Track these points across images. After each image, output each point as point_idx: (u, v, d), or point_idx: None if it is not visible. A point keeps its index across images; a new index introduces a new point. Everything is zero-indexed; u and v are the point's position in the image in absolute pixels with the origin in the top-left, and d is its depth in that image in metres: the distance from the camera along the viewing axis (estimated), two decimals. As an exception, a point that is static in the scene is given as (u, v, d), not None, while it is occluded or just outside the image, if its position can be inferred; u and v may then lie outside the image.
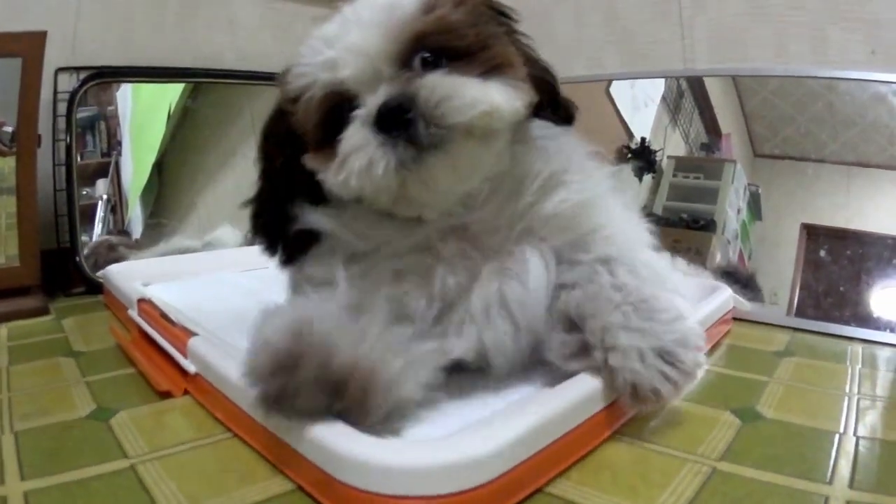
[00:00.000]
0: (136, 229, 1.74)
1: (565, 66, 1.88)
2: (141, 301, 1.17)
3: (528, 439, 0.65)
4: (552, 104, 0.85)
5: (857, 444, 0.79)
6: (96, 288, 1.56)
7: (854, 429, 0.83)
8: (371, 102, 0.71)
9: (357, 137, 0.71)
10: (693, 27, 1.67)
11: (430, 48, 0.74)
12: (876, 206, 1.37)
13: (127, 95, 1.73)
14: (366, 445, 0.62)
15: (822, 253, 1.40)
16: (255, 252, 0.94)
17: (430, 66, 0.73)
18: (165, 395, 0.95)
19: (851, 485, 0.69)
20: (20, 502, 0.68)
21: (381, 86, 0.72)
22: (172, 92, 1.82)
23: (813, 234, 1.43)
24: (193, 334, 0.97)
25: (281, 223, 0.83)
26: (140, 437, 0.83)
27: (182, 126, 1.84)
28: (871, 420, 0.87)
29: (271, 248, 0.87)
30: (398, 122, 0.69)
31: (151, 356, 1.06)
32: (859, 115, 1.41)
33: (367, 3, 0.75)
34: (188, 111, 1.85)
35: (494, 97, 0.71)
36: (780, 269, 1.46)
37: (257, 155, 0.87)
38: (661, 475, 0.71)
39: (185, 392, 0.95)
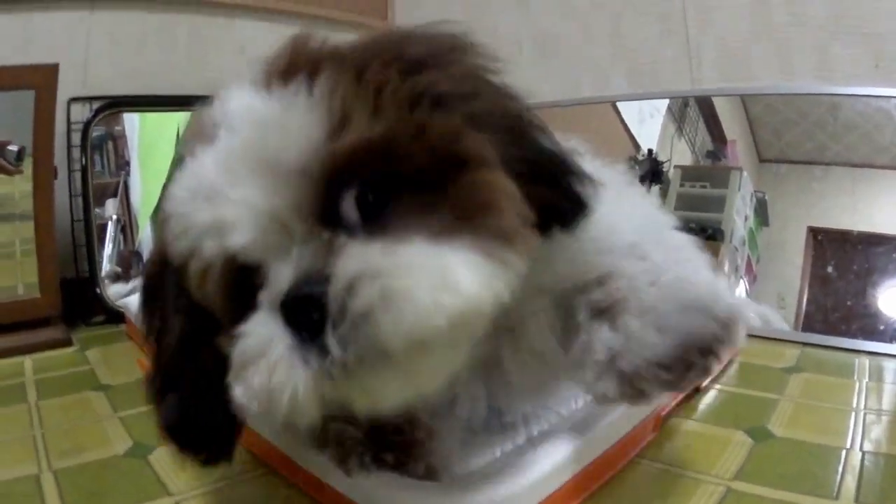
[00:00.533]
0: (146, 251, 1.77)
1: (572, 87, 1.94)
2: None
3: (555, 473, 0.70)
4: (563, 206, 0.58)
5: (862, 459, 0.86)
6: (116, 317, 1.61)
7: (860, 444, 0.91)
8: (277, 280, 0.50)
9: (257, 336, 0.51)
10: (699, 46, 1.72)
11: (360, 180, 0.51)
12: (881, 207, 1.43)
13: (134, 117, 1.78)
14: (411, 489, 0.65)
15: (830, 269, 1.45)
16: None
17: (369, 205, 0.51)
18: None
19: (857, 499, 0.76)
20: None
21: (294, 250, 0.50)
22: (181, 114, 1.85)
23: (819, 240, 1.50)
24: None
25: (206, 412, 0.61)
26: (180, 474, 0.86)
27: None
28: (875, 435, 0.94)
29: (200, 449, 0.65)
30: (308, 320, 0.48)
31: None
32: (862, 119, 1.46)
33: (242, 123, 0.52)
34: None
35: (462, 286, 0.47)
36: (788, 274, 1.52)
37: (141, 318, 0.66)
38: (679, 497, 0.78)
39: None
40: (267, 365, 0.48)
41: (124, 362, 1.35)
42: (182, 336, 0.59)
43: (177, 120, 1.83)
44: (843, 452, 0.88)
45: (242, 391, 0.50)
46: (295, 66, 0.53)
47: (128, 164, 1.77)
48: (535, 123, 0.59)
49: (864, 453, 0.88)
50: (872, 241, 1.42)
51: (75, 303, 1.59)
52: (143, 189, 1.78)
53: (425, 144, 0.51)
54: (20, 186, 1.49)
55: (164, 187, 0.59)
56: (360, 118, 0.50)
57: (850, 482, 0.80)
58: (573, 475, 0.73)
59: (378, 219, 0.51)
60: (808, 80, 1.54)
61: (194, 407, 0.61)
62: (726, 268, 1.60)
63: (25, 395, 1.18)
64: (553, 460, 0.70)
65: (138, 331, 1.38)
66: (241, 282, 0.52)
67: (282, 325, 0.49)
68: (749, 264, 1.61)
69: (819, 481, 0.81)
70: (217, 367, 0.54)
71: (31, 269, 1.50)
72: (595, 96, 1.93)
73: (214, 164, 0.51)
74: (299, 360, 0.48)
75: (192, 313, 0.57)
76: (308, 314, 0.47)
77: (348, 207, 0.51)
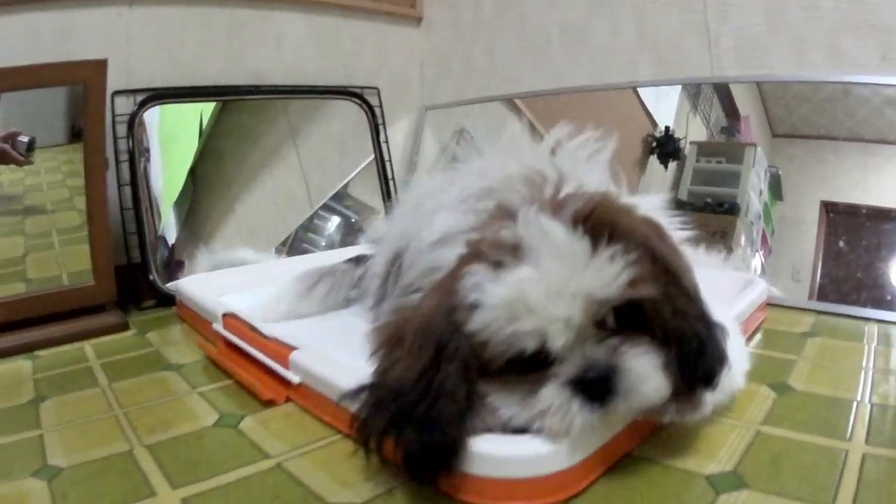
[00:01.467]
0: (171, 236, 1.90)
1: (601, 74, 2.10)
2: (226, 315, 1.37)
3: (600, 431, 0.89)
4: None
5: (871, 410, 1.04)
6: (166, 300, 1.76)
7: (869, 397, 1.09)
8: (572, 364, 0.80)
9: (555, 397, 0.80)
10: (719, 37, 1.84)
11: (622, 311, 0.81)
12: (893, 183, 1.56)
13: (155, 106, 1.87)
14: (481, 440, 0.83)
15: (841, 243, 1.60)
16: (321, 258, 1.09)
17: (620, 320, 0.82)
18: (269, 403, 1.14)
19: (867, 441, 0.95)
20: None
21: (583, 348, 0.80)
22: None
23: (831, 216, 1.63)
24: (292, 348, 1.16)
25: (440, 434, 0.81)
26: (274, 440, 1.02)
27: (216, 133, 2.01)
28: (882, 390, 1.12)
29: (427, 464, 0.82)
30: (598, 389, 0.79)
31: (246, 367, 1.26)
32: (873, 93, 1.58)
33: (554, 254, 0.78)
34: (223, 118, 2.03)
35: (663, 385, 0.82)
36: (802, 247, 1.66)
37: (410, 347, 0.86)
38: (719, 437, 0.98)
39: (287, 399, 1.16)
40: (563, 412, 0.80)
41: (186, 343, 1.50)
42: (451, 378, 0.82)
43: (199, 108, 1.97)
44: (854, 404, 1.06)
45: (537, 425, 0.81)
46: (600, 226, 0.80)
47: (147, 151, 1.86)
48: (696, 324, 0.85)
49: (872, 405, 1.06)
50: (881, 216, 1.56)
51: (126, 288, 1.72)
52: (165, 176, 1.90)
53: (659, 315, 0.82)
54: (49, 177, 1.60)
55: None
56: (645, 283, 0.80)
57: (861, 429, 0.98)
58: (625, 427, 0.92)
59: (620, 326, 0.82)
60: (820, 70, 1.66)
61: (434, 432, 0.80)
62: (742, 241, 1.74)
63: (95, 379, 1.30)
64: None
65: (191, 313, 1.56)
66: (523, 359, 0.81)
67: (571, 392, 0.80)
68: (764, 238, 1.74)
69: (834, 427, 0.99)
70: (466, 402, 0.82)
71: (74, 259, 1.61)
72: (622, 82, 2.07)
73: (538, 287, 0.77)
74: (588, 408, 0.80)
75: (464, 366, 0.82)
76: (602, 386, 0.79)
77: (611, 322, 0.81)
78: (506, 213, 0.88)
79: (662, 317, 0.82)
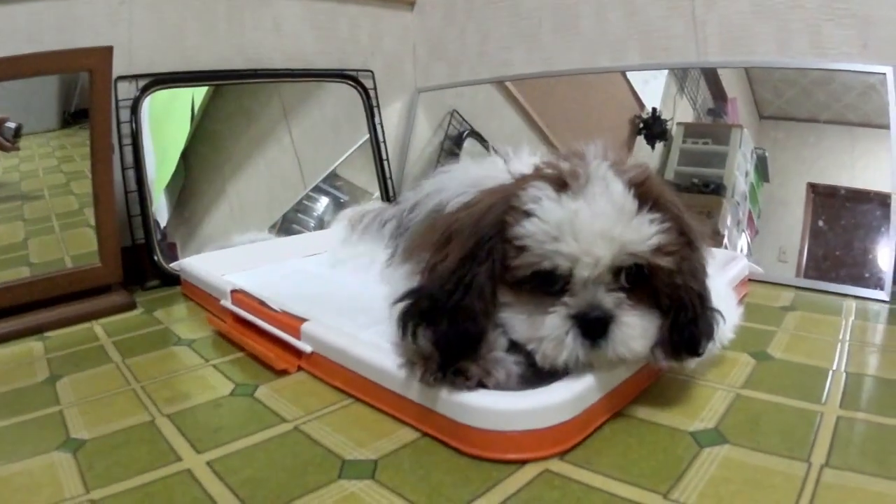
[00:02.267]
0: (162, 219, 1.94)
1: (591, 58, 2.17)
2: (235, 292, 1.45)
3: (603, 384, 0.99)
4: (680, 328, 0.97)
5: (846, 378, 1.13)
6: (170, 280, 1.83)
7: (845, 366, 1.18)
8: (582, 300, 0.92)
9: (557, 325, 0.92)
10: (705, 23, 1.90)
11: (637, 272, 0.94)
12: (879, 166, 1.61)
13: None
14: (486, 396, 0.93)
15: (821, 223, 1.68)
16: (316, 238, 1.27)
17: (630, 280, 0.94)
18: (282, 372, 1.22)
19: (841, 405, 1.03)
20: (206, 472, 0.89)
21: (598, 287, 0.93)
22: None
23: (818, 195, 1.70)
24: (303, 320, 1.25)
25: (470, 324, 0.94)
26: (289, 406, 1.10)
27: (209, 116, 2.06)
28: (857, 360, 1.21)
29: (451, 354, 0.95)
30: (595, 329, 0.91)
31: (257, 340, 1.34)
32: (857, 81, 1.63)
33: (608, 202, 0.91)
34: (216, 99, 2.07)
35: (647, 346, 0.95)
36: (789, 229, 1.72)
37: (465, 240, 0.97)
38: (701, 399, 1.08)
39: (299, 368, 1.24)
40: (558, 339, 0.92)
41: (194, 320, 1.57)
42: (480, 276, 0.94)
43: (189, 92, 2.02)
44: (830, 372, 1.15)
45: (533, 345, 0.94)
46: (647, 195, 0.93)
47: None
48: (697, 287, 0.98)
49: (847, 373, 1.15)
50: (865, 198, 1.63)
51: (130, 269, 1.77)
52: (157, 161, 1.94)
53: (674, 285, 0.94)
54: (44, 163, 1.64)
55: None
56: (674, 253, 0.93)
57: (836, 394, 1.07)
58: (616, 385, 1.02)
59: (629, 288, 0.94)
60: (803, 56, 1.74)
61: (461, 329, 0.93)
62: (728, 221, 1.81)
63: (108, 355, 1.36)
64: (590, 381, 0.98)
65: (198, 290, 1.64)
66: (549, 276, 0.93)
67: (571, 323, 0.92)
68: (750, 219, 1.80)
69: (810, 392, 1.08)
70: (492, 299, 0.96)
71: (75, 242, 1.66)
72: (611, 66, 2.14)
73: (590, 220, 0.90)
74: (580, 342, 0.92)
75: (494, 267, 0.95)
76: (598, 327, 0.91)
77: (624, 278, 0.94)
78: (578, 156, 1.00)
79: (671, 285, 0.94)
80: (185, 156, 2.01)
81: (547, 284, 0.94)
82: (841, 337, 1.32)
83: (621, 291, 0.94)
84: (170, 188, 1.98)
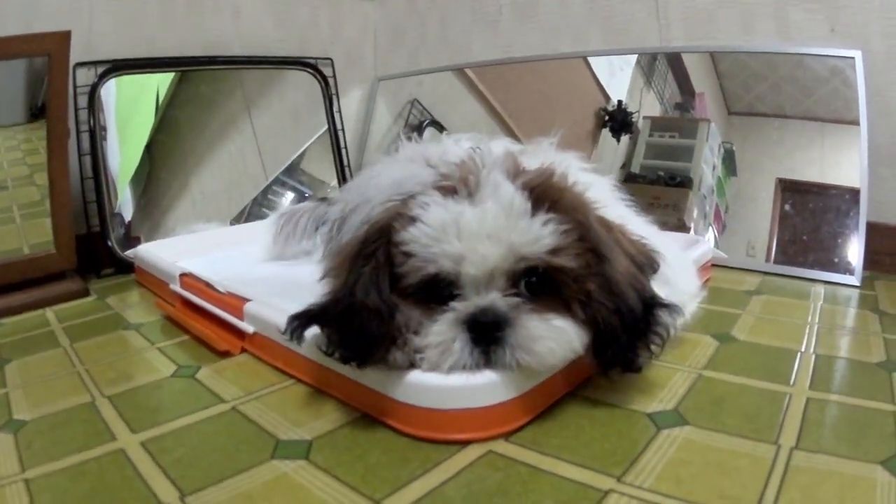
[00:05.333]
0: (127, 212, 1.86)
1: (552, 44, 2.09)
2: (183, 275, 1.38)
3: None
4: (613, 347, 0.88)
5: (815, 359, 1.05)
6: (125, 267, 1.74)
7: (813, 348, 1.10)
8: (471, 303, 0.85)
9: (442, 331, 0.84)
10: (667, 8, 1.84)
11: (539, 278, 0.86)
12: (849, 161, 1.54)
13: (111, 83, 1.83)
14: (423, 373, 0.85)
15: (787, 207, 1.61)
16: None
17: (530, 289, 0.87)
18: (225, 354, 1.16)
19: (811, 387, 0.95)
20: (139, 451, 0.85)
21: (490, 292, 0.85)
22: (159, 77, 1.96)
23: (787, 191, 1.63)
24: (246, 300, 1.18)
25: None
26: (229, 386, 1.04)
27: (173, 107, 1.99)
28: (827, 342, 1.13)
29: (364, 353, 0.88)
30: (486, 334, 0.83)
31: (202, 322, 1.27)
32: (829, 75, 1.57)
33: (499, 203, 0.85)
34: (180, 92, 2.00)
35: (573, 343, 0.85)
36: (757, 223, 1.65)
37: (352, 246, 0.94)
38: (660, 379, 1.00)
39: (242, 350, 1.17)
40: (446, 347, 0.84)
41: (145, 306, 1.49)
42: (364, 277, 0.88)
43: (155, 85, 1.95)
44: (798, 354, 1.07)
45: (419, 356, 0.85)
46: (544, 198, 0.87)
47: (104, 129, 1.83)
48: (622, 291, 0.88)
49: (816, 355, 1.07)
50: (833, 192, 1.56)
51: (86, 257, 1.70)
52: (122, 154, 1.87)
53: (580, 286, 0.86)
54: (9, 155, 1.57)
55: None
56: (569, 252, 0.85)
57: (805, 376, 0.99)
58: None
59: (533, 296, 0.87)
60: (769, 40, 1.67)
61: (363, 330, 0.86)
62: (695, 214, 1.74)
63: (57, 340, 1.30)
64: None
65: (150, 277, 1.57)
66: (435, 283, 0.87)
67: (462, 329, 0.84)
68: (717, 213, 1.73)
69: (777, 373, 1.00)
70: (383, 305, 0.87)
71: (35, 232, 1.58)
72: (571, 52, 2.06)
73: (474, 221, 0.84)
74: (469, 349, 0.84)
75: (379, 269, 0.89)
76: (492, 332, 0.83)
77: (523, 286, 0.87)
78: (470, 168, 0.93)
79: (584, 294, 0.87)
80: (149, 148, 1.94)
81: (437, 291, 0.88)
82: (809, 320, 1.24)
83: (524, 301, 0.86)
84: (134, 182, 1.91)
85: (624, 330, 0.85)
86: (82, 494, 0.77)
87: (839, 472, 0.75)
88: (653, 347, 0.88)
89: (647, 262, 0.93)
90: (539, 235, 0.84)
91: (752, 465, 0.76)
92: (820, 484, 0.72)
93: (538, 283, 0.87)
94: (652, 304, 0.88)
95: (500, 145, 1.10)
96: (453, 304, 0.86)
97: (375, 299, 0.87)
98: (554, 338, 0.84)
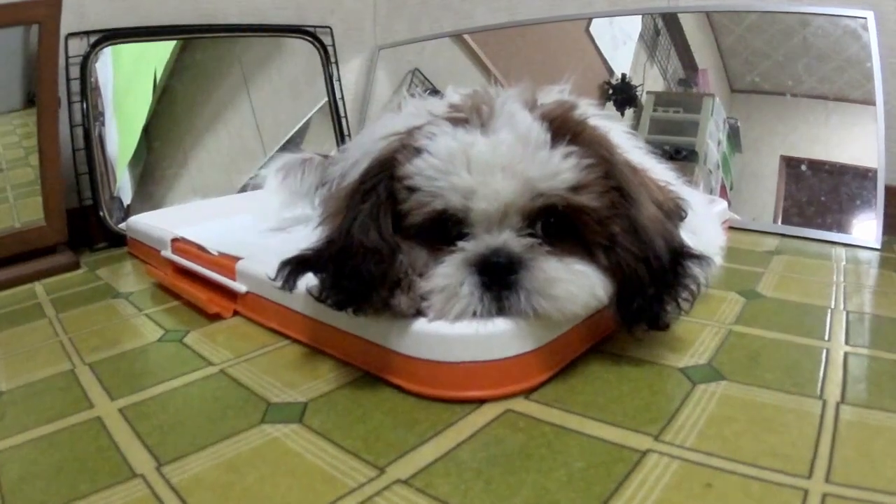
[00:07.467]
0: (126, 197, 1.77)
1: (557, 6, 1.97)
2: (175, 240, 1.28)
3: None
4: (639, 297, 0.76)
5: (847, 316, 0.95)
6: (119, 242, 1.64)
7: (843, 305, 0.99)
8: (482, 242, 0.74)
9: (449, 274, 0.74)
10: None
11: (558, 219, 0.75)
12: (854, 140, 1.46)
13: (108, 64, 1.75)
14: (423, 324, 0.74)
15: (804, 167, 1.51)
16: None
17: (548, 231, 0.75)
18: (216, 317, 1.07)
19: (847, 342, 0.85)
20: (117, 419, 0.77)
21: (503, 232, 0.74)
22: (156, 53, 1.86)
23: (791, 167, 1.53)
24: (238, 259, 1.08)
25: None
26: (219, 349, 0.94)
27: (171, 84, 1.89)
28: (857, 300, 1.02)
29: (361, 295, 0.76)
30: (499, 277, 0.72)
31: (194, 286, 1.18)
32: (833, 51, 1.48)
33: (516, 136, 0.74)
34: (178, 69, 1.90)
35: (596, 289, 0.73)
36: (762, 199, 1.57)
37: (351, 183, 0.84)
38: (691, 334, 0.90)
39: (235, 313, 1.07)
40: (453, 291, 0.72)
41: (136, 276, 1.40)
42: (362, 215, 0.77)
43: (153, 64, 1.85)
44: (829, 311, 0.97)
45: (425, 303, 0.74)
46: (564, 129, 0.74)
47: (102, 115, 1.75)
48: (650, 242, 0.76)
49: (847, 312, 0.96)
50: (842, 171, 1.47)
51: (79, 231, 1.61)
52: (120, 138, 1.78)
53: (605, 229, 0.74)
54: (5, 139, 1.50)
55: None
56: (592, 191, 0.73)
57: (839, 331, 0.89)
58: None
59: (553, 238, 0.75)
60: (779, 0, 1.57)
61: (358, 271, 0.74)
62: (701, 188, 1.63)
63: (43, 311, 1.21)
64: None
65: (143, 247, 1.47)
66: (443, 221, 0.75)
67: (471, 272, 0.73)
68: (723, 189, 1.64)
69: (810, 328, 0.90)
70: (383, 244, 0.75)
71: (27, 211, 1.51)
72: (576, 13, 1.96)
73: (487, 151, 0.73)
74: (479, 294, 0.72)
75: (380, 207, 0.77)
76: (504, 274, 0.72)
77: (540, 228, 0.75)
78: (483, 98, 0.81)
79: (607, 238, 0.75)
80: (147, 129, 1.84)
81: (444, 231, 0.77)
82: (835, 279, 1.13)
83: (541, 243, 0.75)
84: (133, 166, 1.81)
85: (651, 281, 0.73)
86: (52, 465, 0.68)
87: (890, 427, 0.66)
88: (681, 302, 0.75)
89: (674, 210, 0.81)
90: (559, 169, 0.72)
91: (799, 421, 0.67)
92: (872, 439, 0.64)
93: (557, 225, 0.75)
94: (681, 253, 0.75)
95: None
96: (462, 243, 0.74)
97: (374, 238, 0.75)
98: (574, 281, 0.73)
